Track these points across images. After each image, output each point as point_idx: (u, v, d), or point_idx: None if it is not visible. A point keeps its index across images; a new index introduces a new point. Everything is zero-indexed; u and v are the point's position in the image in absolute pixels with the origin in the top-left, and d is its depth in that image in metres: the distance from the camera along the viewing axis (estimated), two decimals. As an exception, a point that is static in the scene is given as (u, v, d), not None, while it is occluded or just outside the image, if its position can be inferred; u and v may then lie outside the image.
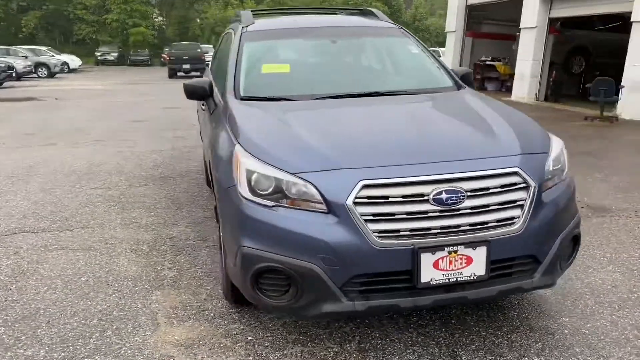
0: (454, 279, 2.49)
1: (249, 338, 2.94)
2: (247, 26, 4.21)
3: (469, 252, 2.48)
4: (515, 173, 2.60)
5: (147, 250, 4.19)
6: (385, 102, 3.52)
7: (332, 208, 2.43)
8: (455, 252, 2.47)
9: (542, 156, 2.78)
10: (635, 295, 3.44)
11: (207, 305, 3.31)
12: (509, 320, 3.11)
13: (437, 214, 2.47)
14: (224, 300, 3.34)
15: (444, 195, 2.45)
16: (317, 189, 2.46)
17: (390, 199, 2.45)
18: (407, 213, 2.45)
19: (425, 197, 2.45)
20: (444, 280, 2.48)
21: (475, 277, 2.51)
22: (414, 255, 2.42)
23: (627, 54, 11.73)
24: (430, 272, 2.46)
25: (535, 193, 2.61)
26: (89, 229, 4.66)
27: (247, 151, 2.71)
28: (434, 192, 2.45)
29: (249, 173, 2.62)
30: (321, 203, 2.46)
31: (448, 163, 2.55)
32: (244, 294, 2.79)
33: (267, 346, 2.86)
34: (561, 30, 15.05)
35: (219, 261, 3.56)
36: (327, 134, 2.84)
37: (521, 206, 2.59)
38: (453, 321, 3.10)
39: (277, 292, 2.58)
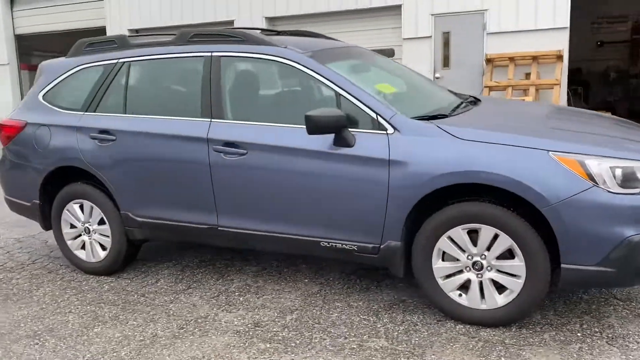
0: None
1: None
2: (285, 47, 3.62)
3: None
4: None
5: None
6: (496, 106, 3.98)
7: None
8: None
9: None
10: None
11: (488, 337, 3.07)
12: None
13: None
14: (486, 329, 3.17)
15: None
16: None
17: None
18: None
19: None
20: None
21: None
22: None
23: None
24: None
25: None
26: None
27: (585, 154, 2.89)
28: None
29: (612, 170, 2.85)
30: None
31: None
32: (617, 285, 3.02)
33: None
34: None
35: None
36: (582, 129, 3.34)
37: None
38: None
39: None
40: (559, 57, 10.21)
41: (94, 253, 4.26)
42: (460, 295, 3.22)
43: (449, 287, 3.22)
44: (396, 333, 3.19)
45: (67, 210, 4.27)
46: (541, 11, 10.30)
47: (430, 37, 11.18)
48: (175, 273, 4.30)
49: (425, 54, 11.28)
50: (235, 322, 3.43)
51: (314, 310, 3.53)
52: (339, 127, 3.21)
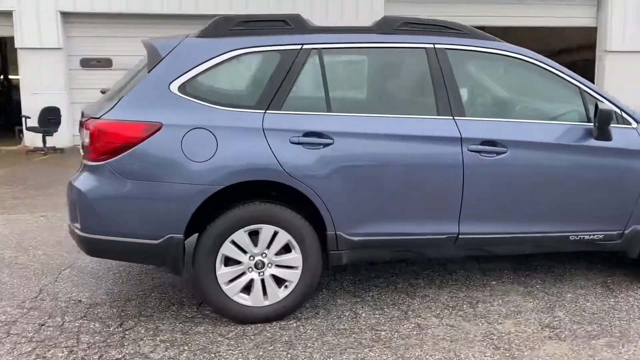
0: None
1: None
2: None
3: None
4: None
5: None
6: None
7: None
8: None
9: None
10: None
11: None
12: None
13: None
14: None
15: None
16: None
17: None
18: None
19: None
20: None
21: None
22: None
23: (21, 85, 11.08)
24: None
25: None
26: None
27: None
28: None
29: None
30: None
31: None
32: None
33: None
34: None
35: None
36: None
37: None
38: None
39: None
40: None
41: (269, 293, 3.26)
42: (683, 269, 3.76)
43: (676, 263, 3.73)
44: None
45: (232, 241, 3.16)
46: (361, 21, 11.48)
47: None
48: (353, 301, 3.60)
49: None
50: (528, 331, 3.20)
51: (566, 305, 3.53)
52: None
